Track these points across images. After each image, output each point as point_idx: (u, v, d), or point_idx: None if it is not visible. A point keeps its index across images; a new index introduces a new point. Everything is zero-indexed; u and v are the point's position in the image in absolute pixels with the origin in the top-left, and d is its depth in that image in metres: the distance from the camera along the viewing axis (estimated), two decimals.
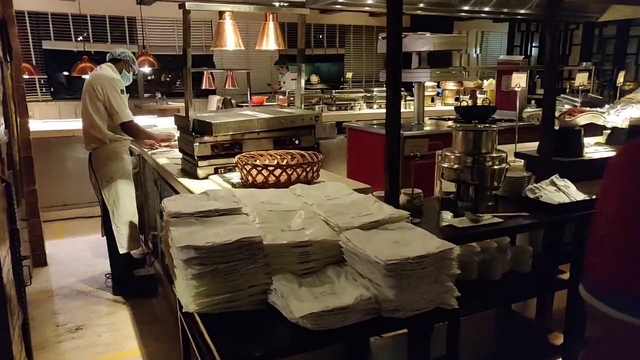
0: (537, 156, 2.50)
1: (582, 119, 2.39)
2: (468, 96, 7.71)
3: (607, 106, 2.76)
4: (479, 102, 7.51)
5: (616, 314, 0.61)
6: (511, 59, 5.41)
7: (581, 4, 6.39)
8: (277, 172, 2.29)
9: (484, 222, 2.00)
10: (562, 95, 5.57)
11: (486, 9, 5.94)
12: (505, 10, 6.07)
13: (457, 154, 2.24)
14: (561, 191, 2.23)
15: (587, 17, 6.81)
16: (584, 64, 6.94)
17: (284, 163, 2.50)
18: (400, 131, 2.16)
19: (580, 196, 2.21)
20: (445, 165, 2.27)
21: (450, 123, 4.83)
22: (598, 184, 2.77)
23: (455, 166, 2.24)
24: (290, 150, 2.65)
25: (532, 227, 2.12)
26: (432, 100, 7.31)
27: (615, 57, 7.28)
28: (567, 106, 2.44)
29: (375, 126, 4.78)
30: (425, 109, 7.09)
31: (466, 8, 5.61)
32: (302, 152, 2.60)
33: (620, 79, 3.35)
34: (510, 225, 2.01)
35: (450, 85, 7.47)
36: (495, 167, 2.19)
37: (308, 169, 2.36)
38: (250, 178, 2.31)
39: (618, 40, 7.23)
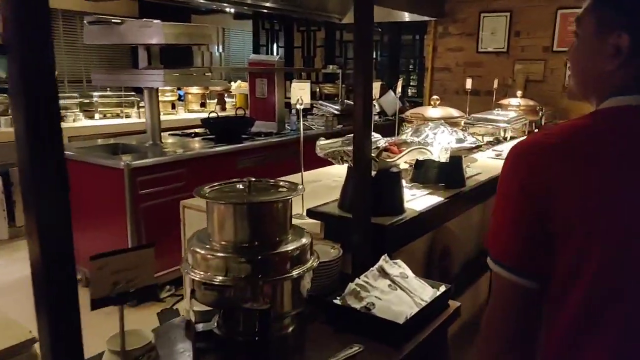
0: (344, 217, 1.55)
1: (405, 157, 1.55)
2: (215, 101, 6.70)
3: (409, 130, 2.00)
4: (229, 109, 6.58)
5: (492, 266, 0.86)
6: (264, 58, 4.55)
7: (322, 3, 6.05)
8: None
9: None
10: (319, 102, 5.03)
11: None
12: (248, 1, 5.23)
13: (219, 253, 1.09)
14: (398, 286, 1.31)
15: (329, 17, 6.54)
16: (330, 67, 6.67)
17: None
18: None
19: (426, 293, 1.32)
20: (197, 276, 1.09)
21: (194, 144, 3.65)
22: (416, 250, 1.80)
23: (218, 279, 1.08)
24: None
25: None
26: (173, 107, 6.01)
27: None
28: (379, 139, 1.52)
29: (94, 153, 3.26)
30: (164, 117, 5.79)
31: None
32: None
33: (399, 87, 2.73)
34: None
35: (194, 89, 6.30)
36: (296, 271, 1.12)
37: None
38: None
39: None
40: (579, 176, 0.76)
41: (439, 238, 2.08)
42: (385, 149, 1.55)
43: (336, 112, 4.66)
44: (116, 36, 3.34)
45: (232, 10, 6.88)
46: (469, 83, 3.62)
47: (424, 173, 1.98)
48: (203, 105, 6.39)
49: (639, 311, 0.76)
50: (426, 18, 5.61)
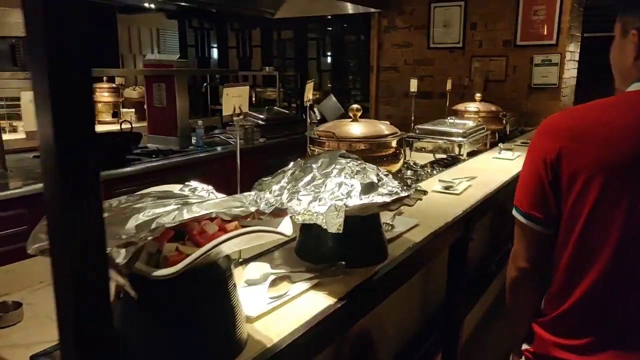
0: None
1: (228, 249, 0.70)
2: (134, 110, 5.75)
3: (291, 167, 1.17)
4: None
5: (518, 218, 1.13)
6: (161, 59, 3.68)
7: None
8: None
9: None
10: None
11: None
12: None
13: None
14: None
15: (262, 12, 5.70)
16: (267, 68, 5.85)
17: None
18: None
19: None
20: None
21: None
22: None
23: None
24: None
25: None
26: None
27: (295, 61, 6.45)
28: (176, 202, 0.66)
29: None
30: None
31: None
32: None
33: (309, 93, 1.92)
34: None
35: (104, 95, 5.35)
36: None
37: None
38: None
39: (297, 42, 6.41)
40: (582, 149, 1.00)
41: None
42: (184, 232, 0.71)
43: (260, 122, 3.81)
44: None
45: (152, 6, 5.92)
46: (413, 85, 2.84)
47: (314, 244, 1.15)
48: (115, 115, 5.43)
49: (622, 253, 0.99)
50: (371, 10, 4.84)
